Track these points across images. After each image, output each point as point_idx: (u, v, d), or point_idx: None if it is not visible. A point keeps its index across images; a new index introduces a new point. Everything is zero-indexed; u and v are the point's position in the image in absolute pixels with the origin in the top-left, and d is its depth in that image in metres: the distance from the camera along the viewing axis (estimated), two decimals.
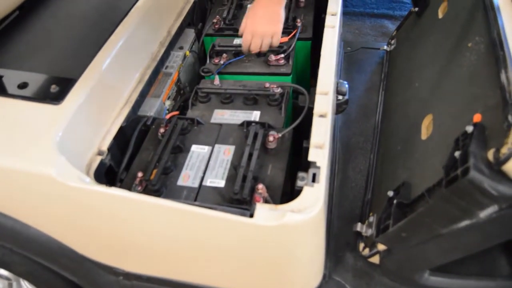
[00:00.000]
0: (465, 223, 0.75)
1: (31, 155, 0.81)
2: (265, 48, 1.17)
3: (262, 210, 0.77)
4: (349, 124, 1.39)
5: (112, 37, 1.04)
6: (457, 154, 0.74)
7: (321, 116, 0.95)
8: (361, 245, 1.04)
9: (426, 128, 1.02)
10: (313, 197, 0.79)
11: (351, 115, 1.42)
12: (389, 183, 1.06)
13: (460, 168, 0.70)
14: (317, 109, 0.96)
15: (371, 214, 1.08)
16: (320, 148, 0.88)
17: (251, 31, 1.13)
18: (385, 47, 1.65)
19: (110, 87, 1.00)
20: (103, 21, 1.11)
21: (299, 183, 0.84)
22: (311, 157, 0.85)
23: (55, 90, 0.91)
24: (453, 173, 0.72)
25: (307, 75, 1.42)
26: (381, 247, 0.95)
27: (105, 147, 0.95)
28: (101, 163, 0.92)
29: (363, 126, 1.37)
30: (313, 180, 0.82)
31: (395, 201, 0.91)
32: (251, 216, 0.77)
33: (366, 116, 1.40)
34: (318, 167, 0.84)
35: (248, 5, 1.47)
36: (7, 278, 1.23)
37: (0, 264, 1.07)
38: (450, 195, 0.72)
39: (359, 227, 1.06)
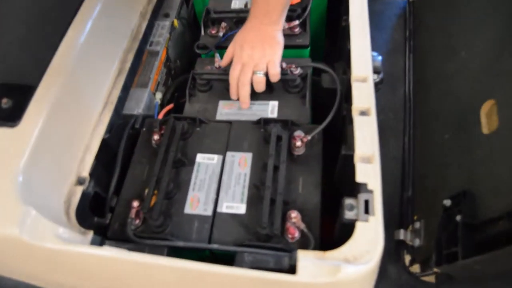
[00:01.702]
0: None
1: None
2: (259, 87, 0.85)
3: (307, 261, 0.58)
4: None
5: (77, 19, 0.77)
6: None
7: (363, 113, 0.74)
8: (407, 258, 0.88)
9: (486, 117, 0.82)
10: (370, 237, 0.61)
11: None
12: (438, 183, 0.88)
13: None
14: (357, 104, 0.74)
15: (415, 217, 0.91)
16: (368, 162, 0.68)
17: (240, 61, 0.84)
18: None
19: (83, 89, 0.75)
20: None
21: (347, 214, 0.64)
22: (359, 177, 0.66)
23: (7, 106, 0.66)
24: None
25: (322, 39, 1.17)
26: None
27: (85, 172, 0.72)
28: (83, 195, 0.70)
29: (391, 99, 1.16)
30: (366, 211, 0.63)
31: (458, 219, 0.73)
32: (292, 268, 0.59)
33: (392, 86, 1.18)
34: (371, 191, 0.65)
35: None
36: None
37: None
38: None
39: (402, 234, 0.90)
